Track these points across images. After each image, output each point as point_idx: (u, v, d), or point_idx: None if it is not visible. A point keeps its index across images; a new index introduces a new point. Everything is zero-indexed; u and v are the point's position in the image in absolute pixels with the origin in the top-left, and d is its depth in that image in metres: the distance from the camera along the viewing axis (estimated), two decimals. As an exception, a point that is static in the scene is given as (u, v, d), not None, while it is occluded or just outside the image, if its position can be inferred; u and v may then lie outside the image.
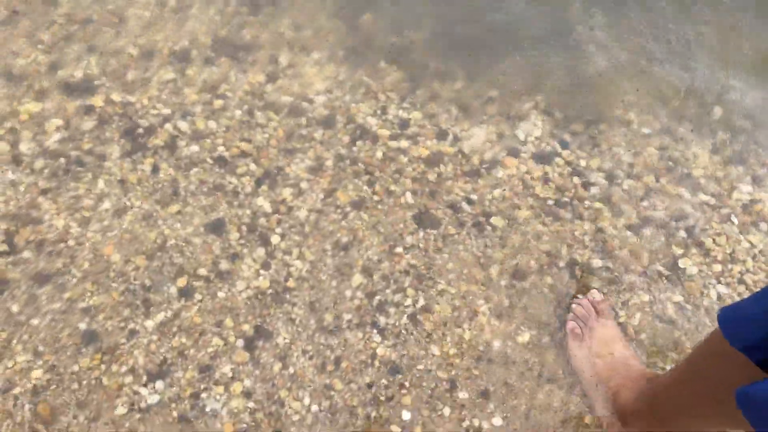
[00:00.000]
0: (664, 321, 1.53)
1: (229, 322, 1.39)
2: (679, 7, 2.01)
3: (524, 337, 1.48)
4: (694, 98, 1.85)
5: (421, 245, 1.55)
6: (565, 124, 1.78)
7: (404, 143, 1.69)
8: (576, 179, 1.70)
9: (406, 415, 1.35)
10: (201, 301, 1.41)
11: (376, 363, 1.39)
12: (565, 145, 1.75)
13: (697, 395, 1.06)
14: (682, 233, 1.64)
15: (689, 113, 1.83)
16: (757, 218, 1.68)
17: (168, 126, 1.62)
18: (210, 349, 1.36)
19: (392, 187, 1.62)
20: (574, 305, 1.51)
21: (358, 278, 1.49)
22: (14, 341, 1.31)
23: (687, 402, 1.10)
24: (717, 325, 0.88)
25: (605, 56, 1.90)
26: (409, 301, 1.48)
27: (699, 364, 1.06)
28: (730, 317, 0.85)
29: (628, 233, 1.62)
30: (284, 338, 1.39)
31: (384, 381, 1.38)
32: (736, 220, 1.67)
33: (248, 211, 1.54)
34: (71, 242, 1.43)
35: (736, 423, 1.02)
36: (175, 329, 1.37)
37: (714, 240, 1.64)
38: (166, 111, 1.65)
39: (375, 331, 1.43)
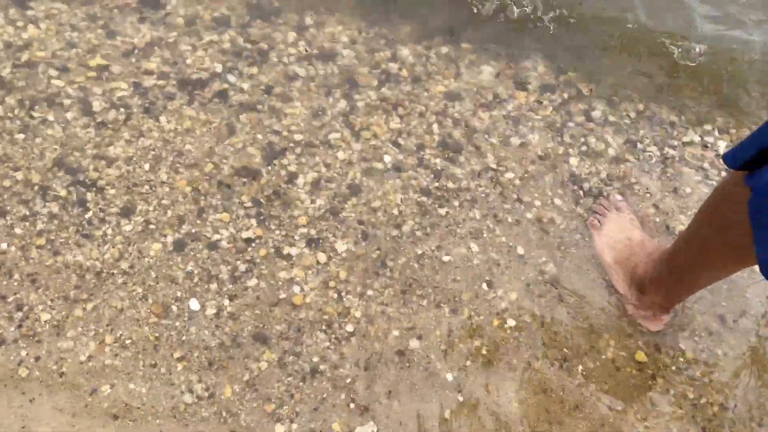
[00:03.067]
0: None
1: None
2: None
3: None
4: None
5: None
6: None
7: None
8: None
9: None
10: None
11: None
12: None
13: (709, 241, 1.22)
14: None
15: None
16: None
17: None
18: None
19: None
20: (594, 205, 1.70)
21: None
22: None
23: (700, 251, 1.26)
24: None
25: None
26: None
27: (708, 213, 1.23)
28: (730, 151, 1.04)
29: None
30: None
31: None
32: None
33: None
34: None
35: (746, 261, 1.19)
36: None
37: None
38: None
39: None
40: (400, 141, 1.75)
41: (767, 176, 0.95)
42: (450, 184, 1.70)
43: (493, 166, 1.74)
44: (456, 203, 1.67)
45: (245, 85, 1.79)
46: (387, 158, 1.71)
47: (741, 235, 1.05)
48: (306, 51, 1.88)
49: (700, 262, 1.30)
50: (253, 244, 1.54)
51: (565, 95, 1.92)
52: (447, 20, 2.03)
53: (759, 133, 1.01)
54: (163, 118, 1.70)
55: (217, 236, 1.54)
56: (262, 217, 1.58)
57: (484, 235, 1.63)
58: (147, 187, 1.59)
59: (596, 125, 1.86)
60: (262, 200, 1.60)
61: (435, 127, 1.79)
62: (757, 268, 1.06)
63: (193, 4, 1.93)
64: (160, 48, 1.83)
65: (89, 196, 1.55)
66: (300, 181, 1.65)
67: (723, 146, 1.84)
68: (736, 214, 1.05)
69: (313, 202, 1.62)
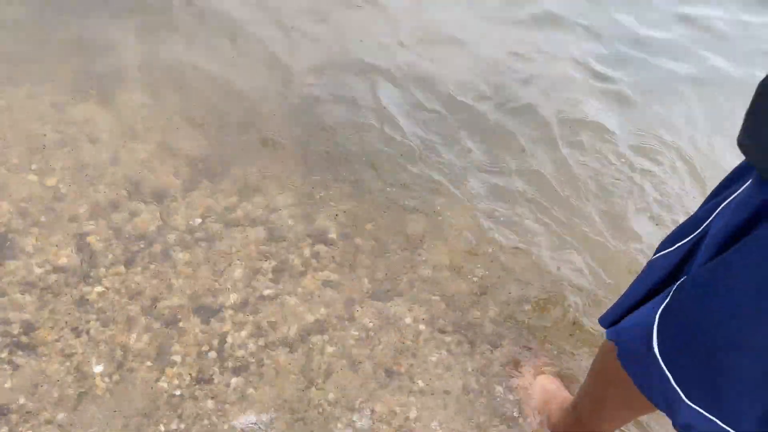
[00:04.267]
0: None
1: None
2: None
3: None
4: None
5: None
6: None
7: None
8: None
9: None
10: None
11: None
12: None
13: (602, 395, 1.34)
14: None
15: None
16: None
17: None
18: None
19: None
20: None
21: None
22: None
23: (596, 403, 1.38)
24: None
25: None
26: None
27: (596, 370, 1.35)
28: (604, 314, 1.18)
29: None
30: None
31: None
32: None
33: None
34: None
35: (640, 410, 1.30)
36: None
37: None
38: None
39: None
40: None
41: (623, 332, 1.06)
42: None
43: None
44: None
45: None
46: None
47: (626, 388, 1.13)
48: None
49: (599, 412, 1.40)
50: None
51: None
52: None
53: (623, 298, 1.15)
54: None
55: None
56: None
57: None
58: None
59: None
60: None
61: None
62: None
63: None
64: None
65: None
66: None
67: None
68: (617, 369, 1.14)
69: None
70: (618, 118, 2.67)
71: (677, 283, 0.97)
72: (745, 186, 0.91)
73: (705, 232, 0.98)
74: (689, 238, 1.02)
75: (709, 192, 1.09)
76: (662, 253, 1.10)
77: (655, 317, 0.99)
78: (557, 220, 2.18)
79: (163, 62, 2.48)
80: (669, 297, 0.97)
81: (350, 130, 2.38)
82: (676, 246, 1.06)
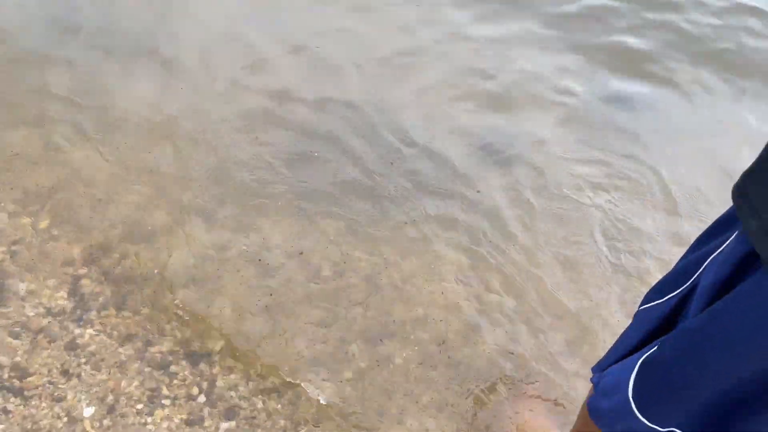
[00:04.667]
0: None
1: None
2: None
3: None
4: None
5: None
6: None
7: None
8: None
9: None
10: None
11: None
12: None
13: None
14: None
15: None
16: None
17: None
18: None
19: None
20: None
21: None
22: None
23: None
24: None
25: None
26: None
27: (584, 414, 1.34)
28: (598, 362, 1.20)
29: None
30: None
31: None
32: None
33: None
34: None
35: None
36: None
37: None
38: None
39: None
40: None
41: (606, 379, 1.09)
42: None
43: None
44: None
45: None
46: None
47: None
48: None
49: None
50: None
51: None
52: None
53: (614, 349, 1.16)
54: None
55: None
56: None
57: None
58: None
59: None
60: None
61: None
62: None
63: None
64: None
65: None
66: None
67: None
68: None
69: None
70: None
71: (664, 336, 0.99)
72: (732, 237, 0.92)
73: (695, 284, 1.00)
74: (679, 290, 1.04)
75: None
76: (651, 304, 1.11)
77: (636, 364, 1.01)
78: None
79: (157, 106, 2.51)
80: (655, 348, 0.99)
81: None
82: (666, 298, 1.07)
